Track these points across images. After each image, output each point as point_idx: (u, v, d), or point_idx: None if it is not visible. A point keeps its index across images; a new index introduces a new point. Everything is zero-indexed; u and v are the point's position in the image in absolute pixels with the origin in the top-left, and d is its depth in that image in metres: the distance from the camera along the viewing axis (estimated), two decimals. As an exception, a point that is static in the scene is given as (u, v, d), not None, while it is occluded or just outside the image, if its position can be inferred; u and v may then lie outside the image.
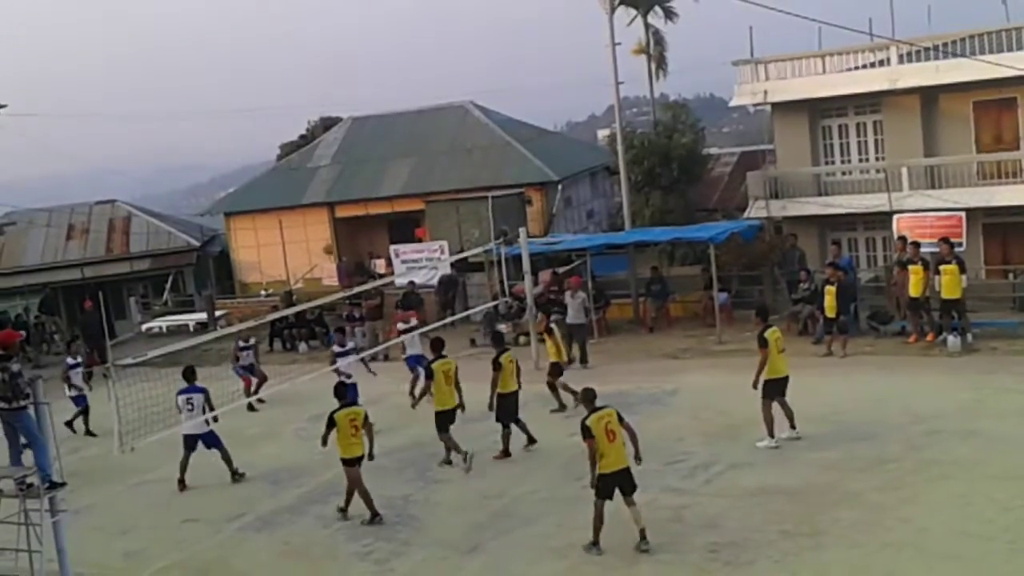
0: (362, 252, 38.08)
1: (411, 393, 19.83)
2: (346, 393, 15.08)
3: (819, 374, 18.35)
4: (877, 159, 29.67)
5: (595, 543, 12.09)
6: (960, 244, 21.55)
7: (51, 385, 17.61)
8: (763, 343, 15.29)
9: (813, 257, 27.27)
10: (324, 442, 14.38)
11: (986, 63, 25.09)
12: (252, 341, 22.02)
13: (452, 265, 27.72)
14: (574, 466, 14.78)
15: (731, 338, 22.95)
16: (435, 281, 27.88)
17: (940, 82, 27.47)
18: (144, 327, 34.47)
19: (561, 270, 26.71)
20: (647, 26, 44.35)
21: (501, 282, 24.82)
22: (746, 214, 30.02)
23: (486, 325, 25.99)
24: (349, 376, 18.06)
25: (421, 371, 18.11)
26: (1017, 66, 24.58)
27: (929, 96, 28.48)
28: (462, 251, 27.36)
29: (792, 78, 29.93)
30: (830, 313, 20.85)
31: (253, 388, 21.30)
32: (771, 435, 15.18)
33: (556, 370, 18.66)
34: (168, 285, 38.55)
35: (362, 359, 19.67)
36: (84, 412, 20.87)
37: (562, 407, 18.09)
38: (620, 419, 12.17)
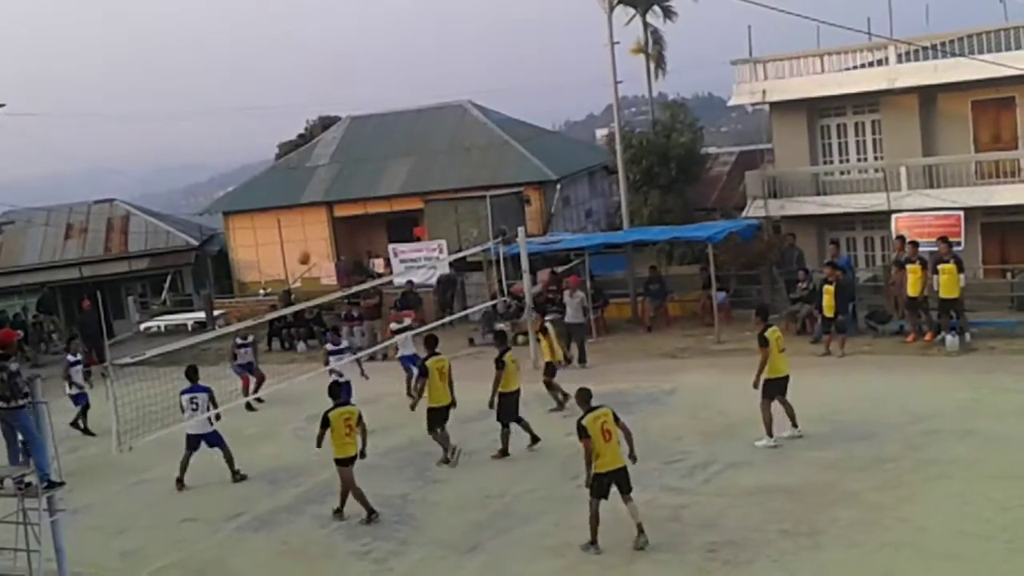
0: (361, 251, 38.08)
1: (409, 394, 19.93)
2: (340, 392, 15.08)
3: (817, 374, 18.35)
4: (875, 158, 29.67)
5: (593, 542, 12.09)
6: (958, 243, 21.56)
7: (50, 384, 17.67)
8: (764, 342, 15.29)
9: (811, 256, 27.28)
10: (319, 443, 14.37)
11: (984, 62, 25.09)
12: (250, 338, 22.01)
13: (451, 264, 27.74)
14: (572, 465, 14.77)
15: (729, 337, 22.96)
16: (434, 280, 27.89)
17: (938, 81, 27.47)
18: (142, 326, 34.45)
19: (560, 269, 26.71)
20: (645, 25, 44.36)
21: (500, 281, 24.81)
22: (744, 213, 30.02)
23: (485, 324, 26.01)
24: (341, 375, 18.07)
25: (415, 370, 18.37)
26: (1015, 65, 24.58)
27: (927, 95, 28.49)
28: (461, 250, 27.34)
29: (790, 77, 29.92)
30: (828, 312, 20.85)
31: (252, 388, 21.29)
32: (770, 434, 15.19)
33: (550, 369, 18.66)
34: (166, 284, 38.54)
35: (357, 360, 19.62)
36: (84, 410, 20.87)
37: (560, 406, 18.10)
38: (616, 419, 12.18)
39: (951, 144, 28.51)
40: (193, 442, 16.51)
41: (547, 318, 21.99)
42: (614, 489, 12.08)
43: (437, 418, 16.18)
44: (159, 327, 33.86)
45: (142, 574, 13.42)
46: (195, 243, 39.44)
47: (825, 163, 30.63)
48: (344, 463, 14.16)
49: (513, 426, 16.37)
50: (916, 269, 20.67)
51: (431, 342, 16.76)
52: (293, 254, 37.43)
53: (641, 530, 12.05)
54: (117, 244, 39.76)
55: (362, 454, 14.40)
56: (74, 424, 20.47)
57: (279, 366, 23.24)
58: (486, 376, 19.10)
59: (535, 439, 16.37)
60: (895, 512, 12.38)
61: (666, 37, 45.37)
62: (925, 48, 27.28)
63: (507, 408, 16.32)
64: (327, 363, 19.29)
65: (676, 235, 27.24)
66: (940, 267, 20.10)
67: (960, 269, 20.12)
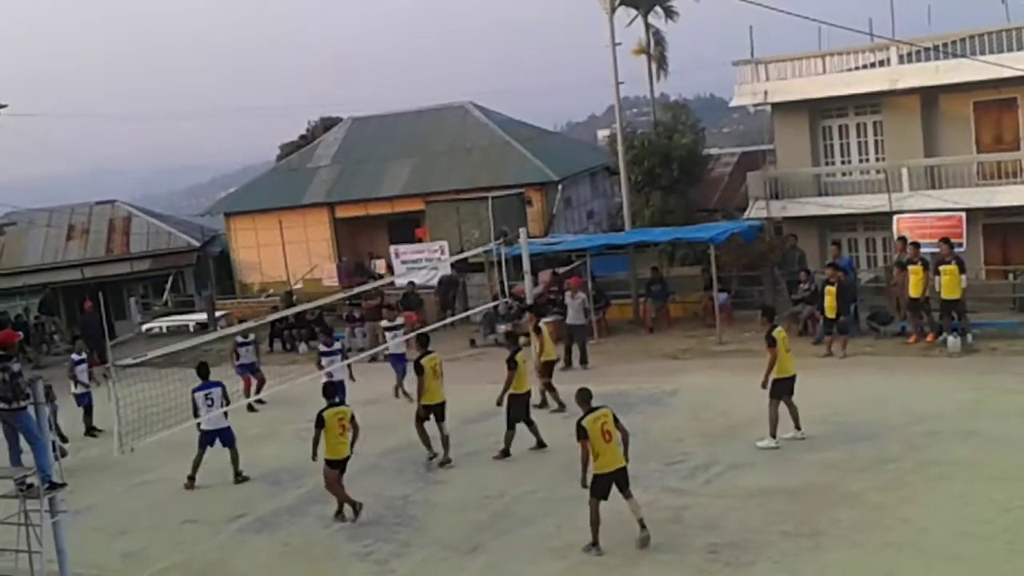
0: (362, 252, 38.10)
1: (396, 394, 20.47)
2: (335, 392, 15.10)
3: (819, 374, 18.33)
4: (877, 159, 29.68)
5: (595, 543, 12.09)
6: (960, 244, 21.56)
7: (55, 384, 17.70)
8: (772, 342, 15.27)
9: (813, 257, 27.29)
10: (315, 446, 14.27)
11: (986, 63, 25.09)
12: (251, 337, 21.99)
13: (452, 266, 27.74)
14: (574, 466, 14.73)
15: (731, 339, 22.97)
16: (435, 281, 27.91)
17: (940, 82, 27.48)
18: (144, 327, 34.48)
19: (561, 270, 26.72)
20: (647, 26, 44.38)
21: (501, 283, 24.79)
22: (746, 214, 30.03)
23: (486, 326, 26.02)
24: (331, 375, 18.09)
25: (408, 369, 19.19)
26: (1017, 66, 24.57)
27: (929, 96, 28.49)
28: (462, 251, 27.34)
29: (792, 78, 29.94)
30: (830, 313, 20.85)
31: (253, 389, 21.29)
32: (773, 435, 15.17)
33: (547, 369, 18.65)
34: (168, 285, 38.57)
35: (348, 364, 19.64)
36: (88, 410, 20.89)
37: (562, 407, 18.07)
38: (615, 420, 12.18)
39: (953, 145, 28.51)
40: (208, 439, 16.50)
41: (547, 319, 22.04)
42: (614, 490, 12.08)
43: (428, 415, 16.24)
44: (161, 328, 33.89)
45: (143, 575, 13.43)
46: (197, 244, 39.47)
47: (827, 164, 30.64)
48: (334, 464, 14.16)
49: (519, 427, 16.34)
50: (918, 270, 20.66)
51: (424, 340, 16.81)
52: (294, 255, 37.44)
53: (643, 525, 12.05)
54: (119, 245, 39.79)
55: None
56: (89, 432, 20.45)
57: (281, 367, 23.23)
58: (488, 377, 19.12)
59: (541, 444, 16.34)
60: (896, 513, 12.37)
61: (668, 38, 45.44)
62: (927, 49, 27.28)
63: (517, 409, 16.32)
64: (320, 364, 19.31)
65: (678, 236, 27.24)
66: (942, 268, 20.10)
67: (962, 270, 20.11)
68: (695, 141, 36.69)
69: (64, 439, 19.86)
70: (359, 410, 18.85)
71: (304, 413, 19.21)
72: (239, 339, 21.47)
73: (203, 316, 32.82)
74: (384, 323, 22.84)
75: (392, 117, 41.04)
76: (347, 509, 14.33)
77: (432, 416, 16.28)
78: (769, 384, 15.27)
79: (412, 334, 20.29)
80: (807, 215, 29.56)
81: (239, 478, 16.61)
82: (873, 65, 29.08)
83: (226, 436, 16.63)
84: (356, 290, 24.11)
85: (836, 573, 11.17)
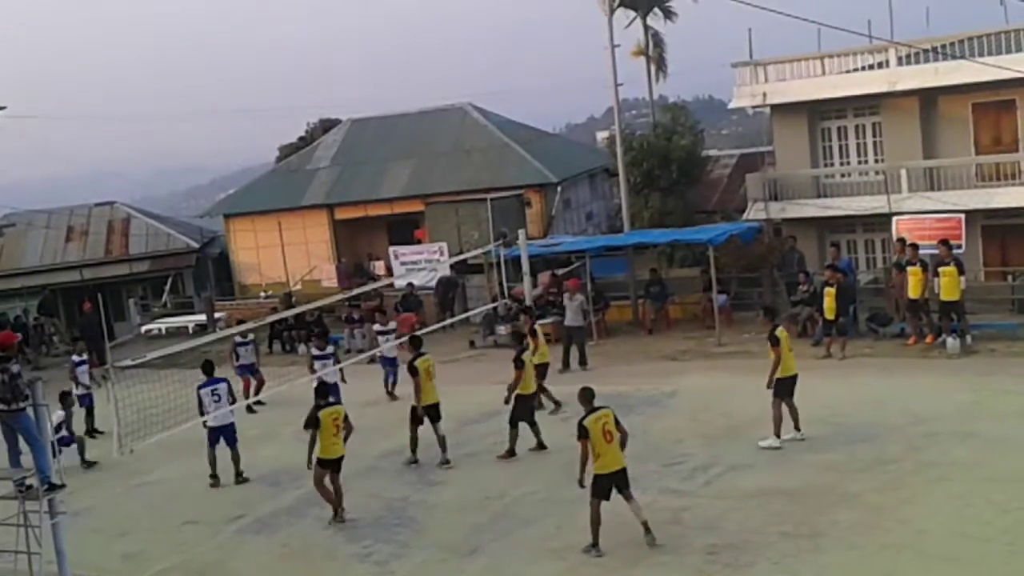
0: (361, 254, 38.09)
1: (390, 394, 20.65)
2: (328, 392, 15.12)
3: (818, 376, 18.34)
4: (876, 161, 29.69)
5: (595, 544, 12.08)
6: (959, 246, 21.56)
7: (54, 386, 17.72)
8: (775, 341, 15.27)
9: (812, 259, 27.31)
10: (311, 448, 14.22)
11: (985, 65, 25.11)
12: (250, 337, 21.98)
13: (451, 267, 27.76)
14: (574, 467, 14.73)
15: (730, 340, 22.99)
16: (434, 283, 27.96)
17: (939, 84, 27.50)
18: (143, 329, 34.47)
19: (560, 272, 26.73)
20: (646, 28, 44.39)
21: (500, 284, 24.83)
22: (745, 216, 30.04)
23: (485, 327, 26.03)
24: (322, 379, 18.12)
25: (391, 370, 20.15)
26: (1016, 68, 24.59)
27: (928, 98, 28.51)
28: (461, 253, 27.37)
29: (791, 80, 29.95)
30: (829, 315, 20.86)
31: (252, 390, 21.29)
32: (777, 435, 15.17)
33: (541, 371, 18.65)
34: (167, 287, 38.53)
35: (340, 368, 19.66)
36: (89, 411, 20.87)
37: (558, 405, 18.07)
38: (616, 421, 12.18)
39: (952, 147, 28.53)
40: (214, 436, 16.50)
41: (547, 320, 22.07)
42: (615, 492, 12.09)
43: (428, 416, 16.26)
44: (160, 329, 33.88)
45: (143, 576, 13.44)
46: (196, 246, 39.43)
47: (826, 166, 30.65)
48: (324, 464, 14.16)
49: (522, 427, 16.34)
50: (917, 271, 20.67)
51: (417, 342, 16.85)
52: (293, 256, 37.44)
53: (647, 528, 12.06)
54: (118, 247, 39.75)
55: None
56: (90, 433, 20.43)
57: (280, 368, 23.23)
58: (488, 378, 19.15)
59: (542, 446, 16.34)
60: (896, 514, 12.38)
61: (667, 40, 45.45)
62: (926, 51, 27.30)
63: (522, 410, 16.33)
64: (312, 368, 19.32)
65: (677, 238, 27.26)
66: (941, 269, 20.11)
67: (961, 271, 20.12)
68: (694, 143, 36.68)
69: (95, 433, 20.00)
70: (357, 412, 18.92)
71: (303, 414, 19.25)
72: (238, 339, 21.47)
73: (202, 317, 32.81)
74: (376, 327, 22.85)
75: (391, 119, 41.01)
76: (349, 511, 14.31)
77: (427, 418, 16.29)
78: (774, 383, 15.26)
79: (402, 339, 20.44)
80: (806, 217, 29.57)
81: (239, 478, 16.62)
82: (872, 67, 29.09)
83: (229, 434, 16.63)
84: (355, 291, 24.14)
85: (835, 574, 11.17)
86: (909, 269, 20.89)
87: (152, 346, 21.90)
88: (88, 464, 18.59)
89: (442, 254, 28.21)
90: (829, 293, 20.84)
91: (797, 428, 15.34)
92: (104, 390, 18.82)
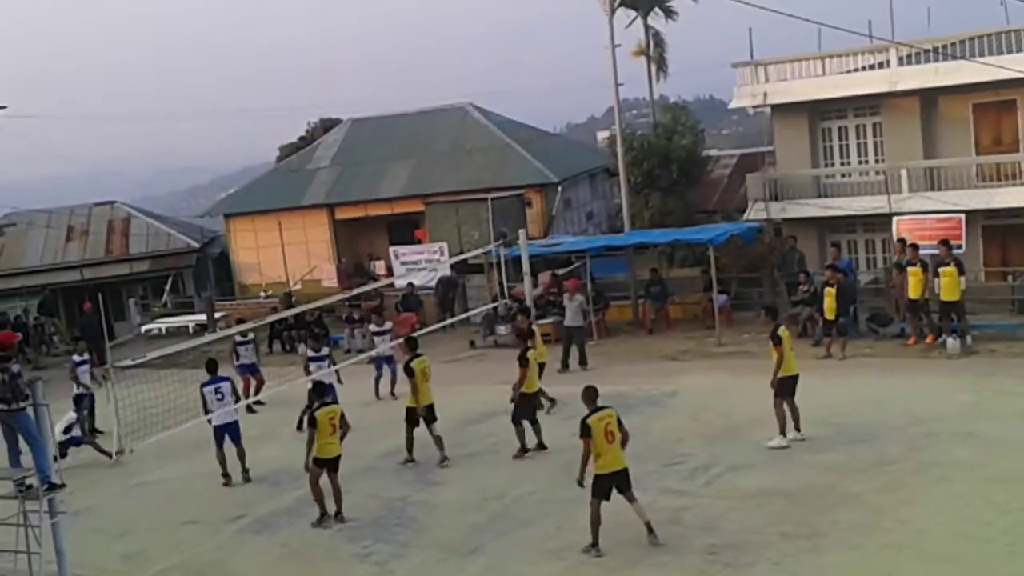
0: (362, 254, 38.10)
1: (377, 393, 20.76)
2: (324, 391, 15.12)
3: (818, 376, 18.32)
4: (877, 161, 29.68)
5: (594, 544, 12.07)
6: (959, 246, 21.57)
7: (55, 385, 17.71)
8: (778, 341, 15.25)
9: (812, 259, 27.30)
10: (310, 449, 14.20)
11: (986, 65, 25.10)
12: (250, 336, 21.97)
13: (452, 267, 27.78)
14: (573, 467, 14.73)
15: (730, 340, 22.98)
16: (433, 283, 27.97)
17: (940, 84, 27.49)
18: (143, 329, 34.47)
19: (560, 272, 26.72)
20: (647, 28, 44.38)
21: (500, 284, 24.83)
22: (745, 216, 30.03)
23: (485, 327, 26.03)
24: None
25: (389, 369, 20.36)
26: (1017, 68, 24.58)
27: (929, 98, 28.50)
28: (462, 253, 27.37)
29: (792, 80, 29.94)
30: (829, 315, 20.85)
31: (252, 390, 21.29)
32: (783, 434, 15.16)
33: (538, 371, 18.63)
34: (167, 287, 38.54)
35: (336, 370, 19.65)
36: (90, 411, 20.85)
37: (552, 403, 18.06)
38: (619, 422, 12.18)
39: (952, 147, 28.52)
40: (220, 434, 16.47)
41: (547, 320, 22.07)
42: (615, 492, 12.08)
43: (415, 416, 16.30)
44: (160, 329, 33.89)
45: (143, 576, 13.44)
46: (196, 245, 39.44)
47: (826, 166, 30.64)
48: (320, 463, 14.17)
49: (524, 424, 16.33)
50: (917, 272, 20.66)
51: (413, 343, 16.88)
52: (294, 256, 37.44)
53: (651, 529, 12.06)
54: (118, 246, 39.75)
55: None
56: (90, 432, 20.41)
57: (280, 368, 23.22)
58: (488, 378, 19.16)
59: (542, 446, 16.33)
60: (896, 514, 12.37)
61: (667, 40, 45.43)
62: (926, 51, 27.30)
63: (525, 408, 16.33)
64: (307, 370, 19.32)
65: (677, 238, 27.25)
66: (941, 270, 20.10)
67: (961, 272, 20.12)
68: (694, 143, 36.69)
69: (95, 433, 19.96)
70: (357, 412, 18.94)
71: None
72: (238, 338, 21.45)
73: (202, 317, 32.81)
74: (372, 327, 22.87)
75: (392, 118, 41.02)
76: (349, 511, 14.32)
77: (423, 419, 16.31)
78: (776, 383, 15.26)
79: (397, 341, 20.54)
80: (806, 217, 29.56)
81: (247, 475, 16.57)
82: (872, 67, 29.09)
83: (234, 431, 16.62)
84: (355, 291, 24.14)
85: (835, 574, 11.17)
86: (909, 269, 20.88)
87: (152, 346, 21.91)
88: (114, 455, 18.43)
89: (442, 254, 28.24)
90: (829, 293, 20.84)
91: (797, 428, 15.33)
92: (104, 390, 18.81)
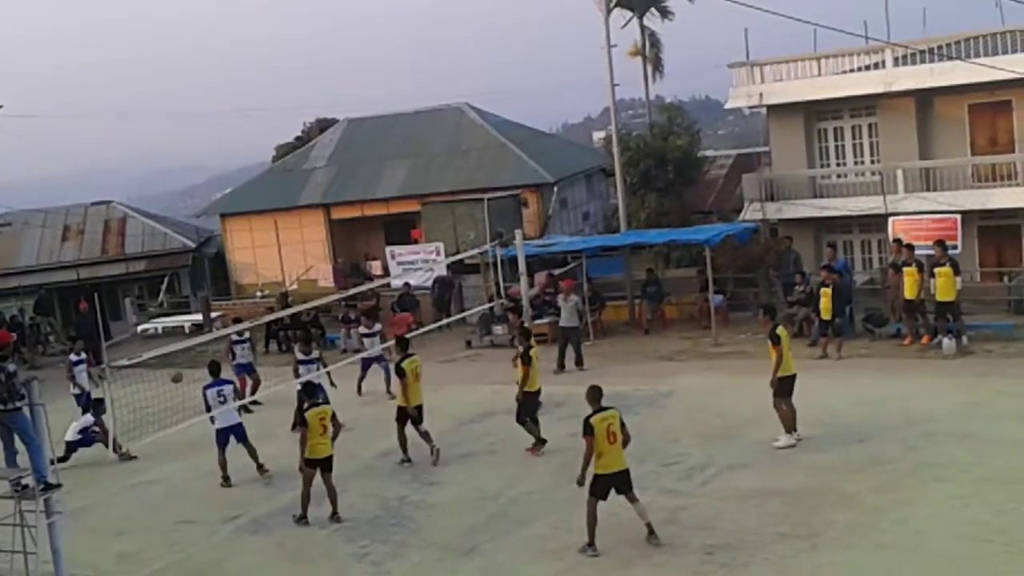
0: (358, 254, 38.07)
1: (359, 390, 20.92)
2: (315, 392, 15.11)
3: (814, 376, 18.32)
4: (872, 162, 29.71)
5: (591, 544, 12.08)
6: (955, 246, 21.61)
7: (51, 385, 17.68)
8: (776, 340, 15.26)
9: (808, 259, 27.30)
10: (303, 449, 14.19)
11: (981, 66, 25.15)
12: (246, 335, 21.93)
13: (448, 267, 27.78)
14: (570, 467, 14.75)
15: (726, 340, 23.00)
16: (429, 283, 27.97)
17: (935, 85, 27.51)
18: (139, 328, 34.41)
19: (557, 272, 26.73)
20: (643, 28, 44.43)
21: (497, 284, 24.83)
22: (741, 216, 30.06)
23: (482, 327, 26.03)
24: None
25: (382, 368, 20.32)
26: (1012, 69, 24.64)
27: (924, 99, 28.54)
28: (458, 253, 27.36)
29: (787, 80, 29.95)
30: (825, 315, 20.86)
31: (248, 390, 21.26)
32: (789, 432, 15.15)
33: None
34: (164, 286, 38.50)
35: (327, 372, 19.63)
36: (85, 410, 20.79)
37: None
38: (622, 424, 12.18)
39: (948, 147, 28.55)
40: (223, 437, 16.44)
41: (543, 320, 22.07)
42: (615, 493, 12.08)
43: (406, 416, 16.32)
44: (156, 329, 33.84)
45: (139, 576, 13.43)
46: (192, 245, 39.39)
47: (822, 166, 30.66)
48: (311, 463, 14.17)
49: (518, 427, 16.32)
50: (913, 272, 20.69)
51: (404, 344, 16.89)
52: (290, 256, 37.42)
53: (651, 530, 12.08)
54: (114, 246, 39.70)
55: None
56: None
57: (276, 368, 23.21)
58: (485, 378, 19.14)
59: (542, 443, 16.31)
60: (892, 514, 12.39)
61: (663, 40, 45.49)
62: (922, 52, 27.33)
63: (528, 407, 16.34)
64: (297, 373, 19.29)
65: (673, 238, 27.27)
66: (937, 270, 20.14)
67: (956, 272, 20.16)
68: (690, 143, 36.68)
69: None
70: (353, 412, 18.97)
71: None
72: (234, 337, 21.42)
73: (199, 317, 32.78)
74: (362, 330, 22.86)
75: (388, 118, 40.99)
76: (347, 511, 14.31)
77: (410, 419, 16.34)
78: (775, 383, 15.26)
79: (387, 343, 20.60)
80: (802, 217, 29.58)
81: (263, 471, 16.51)
82: (868, 67, 29.12)
83: (239, 432, 16.59)
84: (351, 291, 24.14)
85: (831, 574, 11.18)
86: (905, 270, 20.92)
87: (148, 346, 21.87)
88: (127, 456, 18.42)
89: (438, 254, 28.25)
90: (825, 293, 20.85)
91: (794, 428, 15.33)
92: (100, 390, 18.79)
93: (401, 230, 34.83)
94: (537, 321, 23.56)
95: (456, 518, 13.95)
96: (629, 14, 43.79)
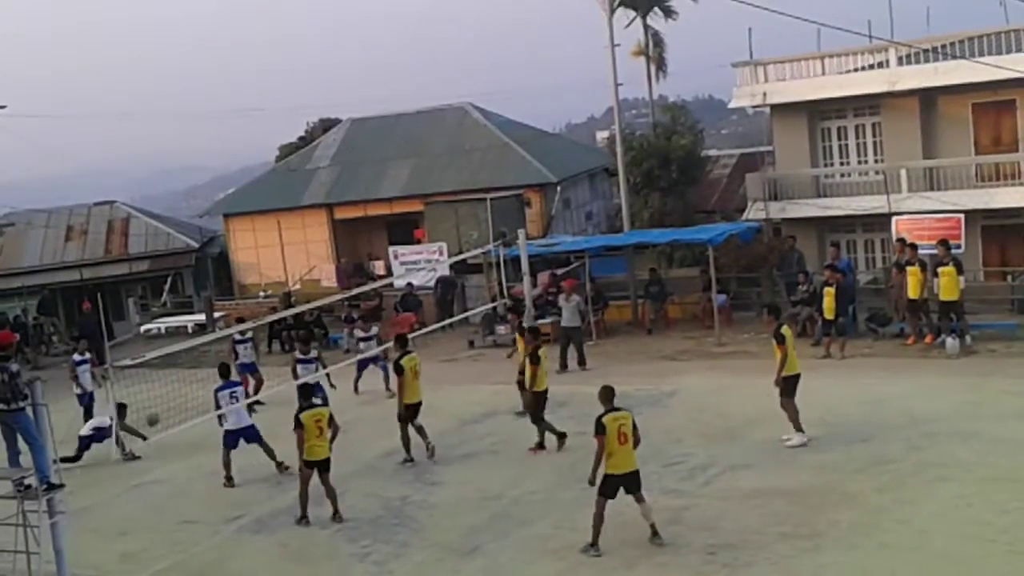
0: (361, 254, 38.11)
1: (356, 389, 21.04)
2: (312, 393, 15.09)
3: (818, 376, 18.30)
4: (876, 161, 29.68)
5: (594, 543, 12.07)
6: (958, 246, 21.57)
7: (54, 385, 17.68)
8: (781, 339, 15.23)
9: (812, 259, 27.29)
10: (301, 450, 14.19)
11: (985, 65, 25.12)
12: (248, 335, 21.94)
13: (451, 267, 27.77)
14: (572, 468, 14.80)
15: (730, 340, 22.98)
16: (432, 283, 27.96)
17: (939, 84, 27.49)
18: (143, 328, 34.47)
19: (560, 272, 26.72)
20: (646, 28, 44.44)
21: (500, 284, 24.81)
22: (745, 216, 30.04)
23: (485, 327, 26.02)
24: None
25: (380, 368, 20.50)
26: (1016, 68, 24.60)
27: (928, 98, 28.50)
28: (461, 253, 27.36)
29: (791, 80, 29.94)
30: (829, 315, 20.85)
31: (252, 389, 21.26)
32: (800, 431, 15.13)
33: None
34: (167, 286, 38.55)
35: (327, 373, 19.64)
36: (88, 410, 20.83)
37: (525, 412, 18.09)
38: (634, 425, 12.17)
39: (951, 147, 28.52)
40: (232, 439, 16.42)
41: (546, 320, 22.05)
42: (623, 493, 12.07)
43: (410, 415, 16.36)
44: (159, 329, 33.88)
45: (141, 576, 13.43)
46: (195, 245, 39.45)
47: (825, 165, 30.65)
48: (309, 465, 14.17)
49: (519, 426, 16.32)
50: (916, 271, 20.66)
51: (403, 341, 16.89)
52: (293, 256, 37.45)
53: (655, 531, 12.07)
54: (117, 246, 39.76)
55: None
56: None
57: (279, 368, 23.21)
58: (486, 378, 19.11)
59: (541, 446, 16.32)
60: (895, 514, 12.37)
61: (667, 39, 45.50)
62: (926, 51, 27.30)
63: (540, 406, 16.36)
64: (295, 373, 19.29)
65: (676, 237, 27.24)
66: (940, 270, 20.11)
67: (960, 272, 20.13)
68: (694, 142, 36.69)
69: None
70: (354, 412, 18.98)
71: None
72: (237, 336, 21.42)
73: (202, 317, 32.80)
74: (358, 333, 22.87)
75: (391, 118, 41.03)
76: (348, 511, 14.31)
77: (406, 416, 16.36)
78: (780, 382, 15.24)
79: (383, 347, 20.64)
80: (806, 216, 29.56)
81: (282, 468, 16.48)
82: (872, 67, 29.09)
83: (251, 434, 16.58)
84: (354, 291, 24.14)
85: (834, 574, 11.16)
86: (908, 269, 20.89)
87: (151, 346, 21.87)
88: (130, 456, 18.43)
89: (441, 254, 28.23)
90: (828, 293, 20.84)
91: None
92: (104, 390, 18.81)
93: (404, 230, 34.83)
94: (539, 321, 23.53)
95: (458, 518, 13.95)
96: (632, 14, 43.83)
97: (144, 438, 17.35)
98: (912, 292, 20.79)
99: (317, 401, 15.07)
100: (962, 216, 22.87)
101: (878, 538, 11.76)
